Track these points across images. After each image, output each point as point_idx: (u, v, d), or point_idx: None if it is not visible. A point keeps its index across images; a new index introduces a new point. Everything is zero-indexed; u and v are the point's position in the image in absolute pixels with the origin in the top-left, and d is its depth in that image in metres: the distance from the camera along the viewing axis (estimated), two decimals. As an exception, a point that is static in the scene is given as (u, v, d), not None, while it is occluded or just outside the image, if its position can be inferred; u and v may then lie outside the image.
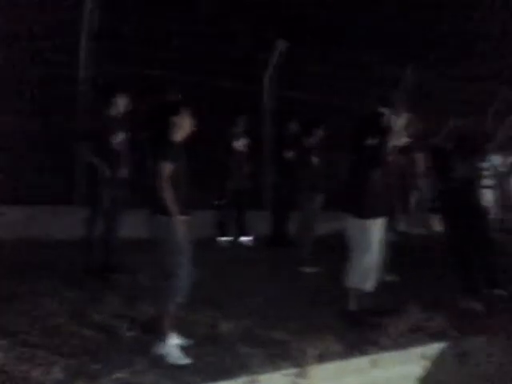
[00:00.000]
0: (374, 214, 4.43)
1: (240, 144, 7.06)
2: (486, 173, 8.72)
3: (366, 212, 4.42)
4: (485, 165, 8.67)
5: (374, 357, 3.85)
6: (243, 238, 7.05)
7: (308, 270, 5.94)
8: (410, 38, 8.82)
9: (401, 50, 8.77)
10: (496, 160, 9.19)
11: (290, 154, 6.98)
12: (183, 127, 3.78)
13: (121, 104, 5.27)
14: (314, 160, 6.29)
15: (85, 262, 5.14)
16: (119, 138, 5.26)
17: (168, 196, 3.57)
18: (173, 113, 3.78)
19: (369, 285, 4.42)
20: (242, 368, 3.45)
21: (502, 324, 4.59)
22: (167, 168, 3.60)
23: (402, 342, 4.08)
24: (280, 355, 3.65)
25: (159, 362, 3.48)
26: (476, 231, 5.55)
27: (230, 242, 7.00)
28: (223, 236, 7.01)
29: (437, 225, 9.14)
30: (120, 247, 5.29)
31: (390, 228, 5.42)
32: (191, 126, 3.82)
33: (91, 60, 6.74)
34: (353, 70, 8.16)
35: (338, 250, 4.72)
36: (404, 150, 6.28)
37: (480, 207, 5.77)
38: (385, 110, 4.73)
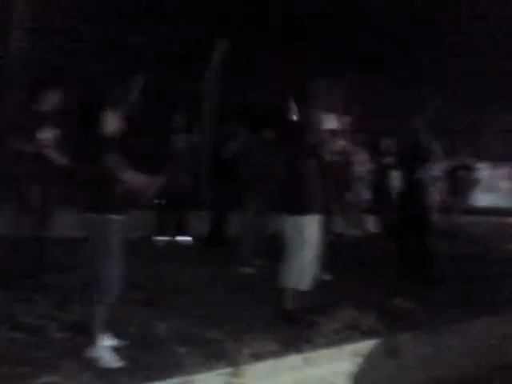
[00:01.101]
0: (308, 211, 4.49)
1: (179, 142, 6.99)
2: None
3: (300, 209, 4.48)
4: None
5: (308, 354, 3.91)
6: (181, 238, 6.98)
7: (247, 269, 5.97)
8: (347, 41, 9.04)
9: (341, 52, 8.98)
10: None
11: (229, 154, 6.99)
12: (115, 123, 3.70)
13: (51, 99, 5.10)
14: (258, 159, 6.32)
15: (13, 261, 4.92)
16: (47, 133, 5.08)
17: (102, 193, 3.49)
18: (105, 108, 3.69)
19: (304, 284, 4.48)
20: (177, 368, 3.42)
21: (428, 321, 4.79)
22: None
23: (335, 340, 4.16)
24: (215, 355, 3.64)
25: (91, 365, 3.39)
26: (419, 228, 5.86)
27: (167, 241, 6.92)
28: (161, 235, 6.91)
29: (371, 226, 9.46)
30: (50, 246, 5.11)
31: (325, 228, 5.54)
32: (123, 123, 3.74)
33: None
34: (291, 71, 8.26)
35: (277, 250, 4.77)
36: (341, 152, 6.48)
37: (427, 209, 6.10)
38: (321, 112, 4.82)
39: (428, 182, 6.16)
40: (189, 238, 7.04)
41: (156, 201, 7.64)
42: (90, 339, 3.54)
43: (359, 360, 4.16)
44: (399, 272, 6.04)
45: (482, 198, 12.28)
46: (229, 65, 7.94)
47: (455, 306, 5.23)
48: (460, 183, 10.17)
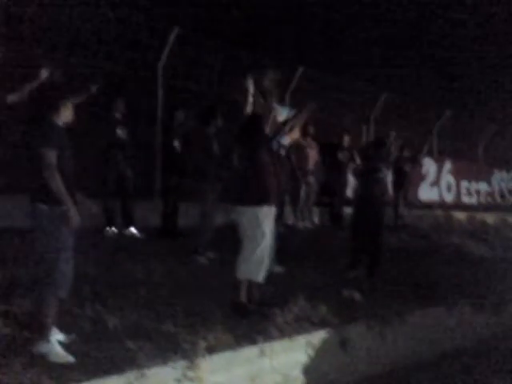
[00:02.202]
0: (264, 202, 4.49)
1: (121, 131, 6.83)
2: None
3: (256, 200, 4.48)
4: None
5: (262, 346, 3.93)
6: (131, 229, 6.83)
7: (201, 260, 5.92)
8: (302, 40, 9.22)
9: (293, 50, 9.14)
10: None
11: (177, 143, 6.91)
12: (66, 111, 3.59)
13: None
14: (215, 149, 6.27)
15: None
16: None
17: (56, 184, 3.35)
18: (57, 96, 3.57)
19: (259, 276, 4.49)
20: (130, 363, 3.35)
21: (377, 311, 4.91)
22: (51, 154, 3.38)
23: (288, 331, 4.19)
24: (169, 348, 3.59)
25: (39, 361, 3.27)
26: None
27: (116, 232, 6.75)
28: (110, 226, 6.75)
29: (321, 218, 9.61)
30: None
31: (278, 220, 5.57)
32: (72, 111, 3.63)
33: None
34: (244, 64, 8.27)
35: (232, 241, 4.74)
36: (295, 144, 6.52)
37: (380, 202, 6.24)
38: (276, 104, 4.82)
39: (381, 177, 6.29)
40: (137, 230, 6.88)
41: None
42: (38, 334, 3.41)
43: (312, 351, 4.22)
44: (350, 263, 6.16)
45: (426, 192, 12.73)
46: (182, 54, 7.84)
47: (403, 297, 5.38)
48: (404, 177, 10.47)
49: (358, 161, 6.93)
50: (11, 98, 5.12)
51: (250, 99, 5.73)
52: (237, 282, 4.52)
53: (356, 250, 6.18)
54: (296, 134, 5.61)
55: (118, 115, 6.85)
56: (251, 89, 4.78)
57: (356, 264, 6.11)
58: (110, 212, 6.77)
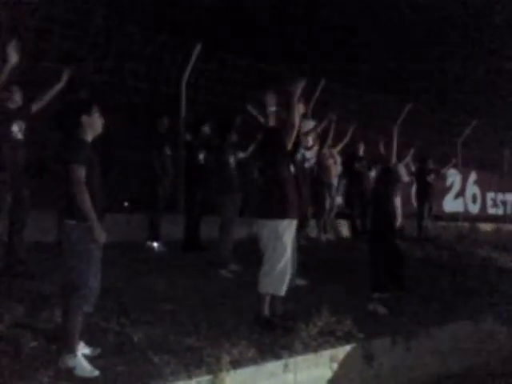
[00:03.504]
0: (286, 216, 4.50)
1: (166, 147, 6.94)
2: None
3: (278, 213, 4.48)
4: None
5: (286, 361, 3.91)
6: (155, 243, 6.89)
7: (224, 273, 5.94)
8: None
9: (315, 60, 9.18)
10: (401, 170, 9.73)
11: (201, 157, 6.98)
12: (94, 127, 3.65)
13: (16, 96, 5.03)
14: (231, 163, 6.33)
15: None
16: (16, 130, 4.99)
17: (83, 199, 3.41)
18: (84, 112, 3.63)
19: (281, 289, 4.48)
20: (155, 377, 3.37)
21: (402, 325, 4.85)
22: (80, 170, 3.45)
23: (312, 345, 4.17)
24: (193, 362, 3.60)
25: (66, 374, 3.31)
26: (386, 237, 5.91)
27: (142, 246, 6.81)
28: (152, 240, 6.82)
29: (345, 230, 9.55)
30: (24, 250, 5.00)
31: (301, 233, 5.57)
32: (102, 126, 3.69)
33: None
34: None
35: (254, 255, 4.75)
36: (319, 158, 6.53)
37: (391, 215, 6.12)
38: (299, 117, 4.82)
39: (394, 189, 6.24)
40: (161, 243, 6.94)
41: (126, 204, 7.55)
42: (64, 347, 3.46)
43: (336, 365, 4.18)
44: (373, 277, 6.09)
45: (451, 203, 12.56)
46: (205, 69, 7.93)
47: (428, 311, 5.31)
48: (428, 188, 10.36)
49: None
50: (35, 106, 5.24)
51: (272, 112, 5.80)
52: (260, 296, 4.51)
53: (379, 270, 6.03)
54: (317, 146, 5.62)
55: (162, 131, 6.96)
56: (272, 102, 4.83)
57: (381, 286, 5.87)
58: (136, 225, 6.85)
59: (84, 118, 3.61)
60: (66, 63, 5.70)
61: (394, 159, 6.19)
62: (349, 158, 9.26)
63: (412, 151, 9.65)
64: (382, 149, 7.73)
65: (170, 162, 6.99)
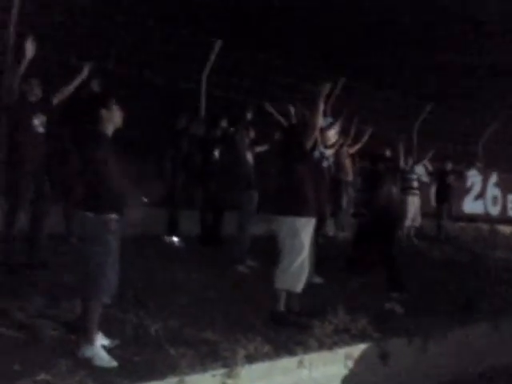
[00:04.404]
0: (304, 213, 4.51)
1: (184, 144, 6.99)
2: (413, 183, 9.26)
3: (296, 210, 4.49)
4: (411, 176, 9.22)
5: (301, 357, 3.93)
6: (174, 237, 6.95)
7: (241, 268, 5.97)
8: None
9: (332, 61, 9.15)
10: (419, 170, 9.66)
11: (216, 153, 7.01)
12: (113, 121, 3.67)
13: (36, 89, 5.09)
14: (249, 158, 6.35)
15: (5, 257, 4.88)
16: (37, 124, 5.06)
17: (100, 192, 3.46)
18: (102, 105, 3.66)
19: (298, 286, 4.49)
20: (170, 369, 3.40)
21: (419, 325, 4.82)
22: (99, 163, 3.50)
23: (327, 343, 4.18)
24: (209, 356, 3.63)
25: (84, 364, 3.36)
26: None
27: (160, 240, 6.88)
28: (170, 234, 6.88)
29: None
30: (44, 242, 5.09)
31: (318, 231, 5.56)
32: (121, 120, 3.72)
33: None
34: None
35: (271, 251, 4.77)
36: (336, 156, 6.53)
37: (397, 219, 6.13)
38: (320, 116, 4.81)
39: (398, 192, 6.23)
40: (179, 238, 6.99)
41: (145, 199, 7.61)
42: (83, 338, 3.52)
43: (351, 363, 4.19)
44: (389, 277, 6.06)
45: (470, 205, 12.43)
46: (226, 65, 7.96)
47: (446, 311, 5.28)
48: (448, 190, 10.27)
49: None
50: (56, 99, 5.29)
51: (293, 110, 5.82)
52: (276, 292, 4.53)
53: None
54: (337, 145, 5.61)
55: (180, 127, 7.02)
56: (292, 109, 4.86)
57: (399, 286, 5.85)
58: (154, 219, 6.91)
59: (103, 112, 3.63)
60: (87, 57, 5.75)
61: (401, 161, 6.20)
62: (372, 158, 9.20)
63: (431, 153, 9.59)
64: (387, 152, 7.76)
65: (185, 159, 7.02)
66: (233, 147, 6.51)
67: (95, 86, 5.91)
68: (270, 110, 6.05)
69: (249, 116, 6.71)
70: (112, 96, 3.77)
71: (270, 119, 6.49)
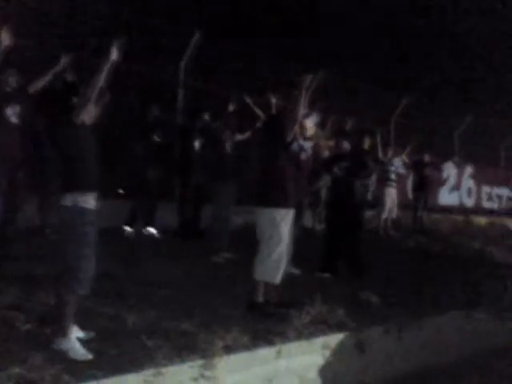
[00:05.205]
0: (283, 205, 4.51)
1: (156, 134, 6.92)
2: (391, 175, 9.35)
3: (275, 202, 4.49)
4: (389, 167, 9.30)
5: (279, 347, 3.93)
6: (150, 229, 6.90)
7: (220, 260, 5.96)
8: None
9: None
10: (397, 162, 9.74)
11: (197, 144, 6.98)
12: (88, 110, 3.59)
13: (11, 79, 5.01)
14: (228, 150, 6.33)
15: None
16: (11, 113, 4.97)
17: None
18: (74, 94, 3.60)
19: (276, 277, 4.50)
20: (148, 360, 3.37)
21: (395, 315, 4.88)
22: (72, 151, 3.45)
23: (305, 333, 4.19)
24: (187, 347, 3.61)
25: (59, 357, 3.31)
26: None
27: (136, 232, 6.83)
28: (130, 226, 6.82)
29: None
30: (17, 233, 5.01)
31: (297, 222, 5.58)
32: (97, 109, 3.65)
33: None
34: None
35: (250, 242, 4.76)
36: (315, 148, 6.54)
37: (357, 205, 6.23)
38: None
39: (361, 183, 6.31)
40: (156, 230, 6.95)
41: (120, 191, 7.56)
42: (58, 331, 3.47)
43: (328, 353, 4.21)
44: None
45: (446, 196, 12.62)
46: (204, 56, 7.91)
47: (421, 301, 5.35)
48: (425, 181, 10.40)
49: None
50: (33, 87, 5.21)
51: (273, 102, 5.80)
52: (254, 283, 4.54)
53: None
54: (312, 136, 5.63)
55: (151, 119, 6.94)
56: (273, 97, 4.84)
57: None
58: (131, 211, 6.85)
59: (75, 101, 3.57)
60: (66, 48, 5.66)
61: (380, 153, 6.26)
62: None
63: (409, 148, 9.70)
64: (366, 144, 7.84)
65: (160, 150, 6.96)
66: (213, 139, 6.48)
67: (70, 76, 5.82)
68: (249, 102, 6.04)
69: (230, 108, 6.68)
70: (82, 84, 3.70)
71: (250, 110, 6.47)
